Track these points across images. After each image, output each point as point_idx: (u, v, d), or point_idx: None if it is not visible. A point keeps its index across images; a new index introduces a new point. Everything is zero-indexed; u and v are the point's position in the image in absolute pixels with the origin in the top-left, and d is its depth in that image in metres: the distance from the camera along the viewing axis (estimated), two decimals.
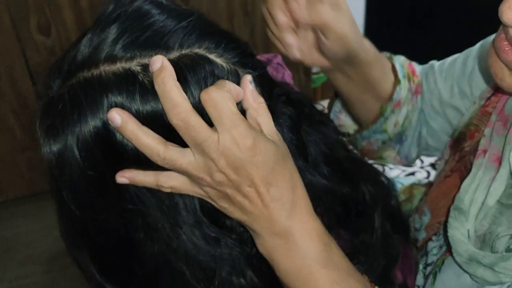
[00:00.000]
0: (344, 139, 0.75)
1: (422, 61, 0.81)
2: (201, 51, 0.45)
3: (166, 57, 0.43)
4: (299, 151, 0.52)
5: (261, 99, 0.46)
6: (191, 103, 0.42)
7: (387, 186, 0.65)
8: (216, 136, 0.42)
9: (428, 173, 1.13)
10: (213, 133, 0.42)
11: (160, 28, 0.45)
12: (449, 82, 0.74)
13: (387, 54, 0.76)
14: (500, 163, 0.56)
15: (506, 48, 0.48)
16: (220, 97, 0.42)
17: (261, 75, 0.49)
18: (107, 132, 0.43)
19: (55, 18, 1.63)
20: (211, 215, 0.48)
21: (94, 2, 1.64)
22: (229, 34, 0.49)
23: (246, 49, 0.49)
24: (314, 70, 1.98)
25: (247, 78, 0.45)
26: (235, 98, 0.44)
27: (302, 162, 0.52)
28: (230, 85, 0.44)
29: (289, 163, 0.46)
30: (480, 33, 0.71)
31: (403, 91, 0.73)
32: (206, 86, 0.44)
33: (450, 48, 0.83)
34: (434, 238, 0.64)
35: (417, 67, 0.78)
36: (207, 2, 1.75)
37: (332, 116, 0.83)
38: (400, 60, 0.76)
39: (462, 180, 0.59)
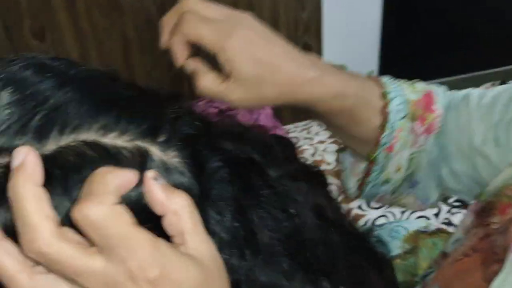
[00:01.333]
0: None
1: (441, 73, 0.68)
2: (90, 135, 0.34)
3: (40, 151, 0.31)
4: (246, 241, 0.40)
5: (180, 196, 0.33)
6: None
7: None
8: (98, 264, 0.30)
9: (439, 209, 1.01)
10: (93, 259, 0.30)
11: (36, 106, 0.33)
12: (485, 124, 0.59)
13: (387, 88, 0.60)
14: None
15: None
16: (102, 217, 0.29)
17: (190, 144, 0.38)
18: None
19: (49, 23, 1.55)
20: None
21: (90, 6, 1.55)
22: (139, 92, 0.38)
23: (166, 111, 0.38)
24: None
25: (148, 176, 0.33)
26: (125, 191, 0.32)
27: (250, 256, 0.40)
28: (114, 182, 0.31)
29: (217, 284, 0.34)
30: None
31: (399, 133, 0.60)
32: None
33: (474, 57, 0.71)
34: None
35: (440, 96, 0.63)
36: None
37: (347, 174, 0.69)
38: (405, 96, 0.61)
39: (484, 264, 0.47)
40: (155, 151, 0.35)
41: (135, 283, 0.30)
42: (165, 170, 0.36)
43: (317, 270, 0.45)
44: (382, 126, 0.58)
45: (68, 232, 0.31)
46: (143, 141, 0.35)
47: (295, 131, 1.26)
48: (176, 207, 0.32)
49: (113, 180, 0.31)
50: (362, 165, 0.64)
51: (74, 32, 1.58)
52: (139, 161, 0.34)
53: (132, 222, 0.31)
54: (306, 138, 1.23)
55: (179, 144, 0.37)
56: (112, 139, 0.34)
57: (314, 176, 0.56)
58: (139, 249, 0.30)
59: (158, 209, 0.32)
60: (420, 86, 0.63)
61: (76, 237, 0.31)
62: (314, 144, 1.21)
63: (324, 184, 0.62)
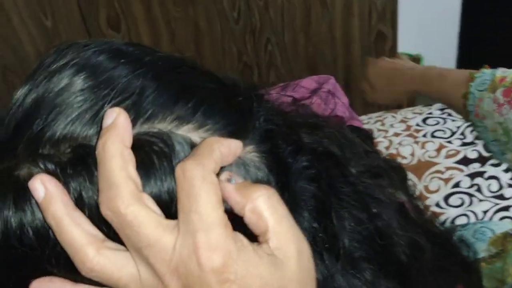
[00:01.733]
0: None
1: None
2: (164, 126, 0.32)
3: None
4: (326, 245, 0.37)
5: (257, 191, 0.30)
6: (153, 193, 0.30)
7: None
8: (170, 240, 0.28)
9: None
10: (167, 234, 0.28)
11: (109, 94, 0.32)
12: None
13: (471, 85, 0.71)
14: None
15: None
16: (199, 179, 0.28)
17: (268, 139, 0.35)
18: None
19: (125, 13, 1.57)
20: None
21: None
22: (217, 81, 0.36)
23: (246, 101, 0.35)
24: None
25: (221, 179, 0.30)
26: (226, 162, 0.30)
27: (329, 261, 0.37)
28: (219, 151, 0.30)
29: None
30: None
31: (478, 102, 0.69)
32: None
33: None
34: None
35: None
36: None
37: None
38: (495, 75, 0.69)
39: None
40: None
41: (200, 264, 0.27)
42: (242, 165, 0.34)
43: (400, 276, 0.41)
44: (465, 95, 0.70)
45: (149, 200, 0.29)
46: (219, 136, 0.33)
47: (368, 123, 1.21)
48: (253, 205, 0.30)
49: (219, 149, 0.30)
50: None
51: (147, 22, 1.60)
52: None
53: (220, 198, 0.29)
54: (380, 130, 1.17)
55: (257, 139, 0.35)
56: (186, 132, 0.32)
57: (395, 172, 0.53)
58: (215, 227, 0.28)
59: (238, 211, 0.30)
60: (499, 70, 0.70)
61: (157, 209, 0.30)
62: (389, 137, 1.16)
63: (404, 180, 0.57)
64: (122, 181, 0.28)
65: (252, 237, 0.30)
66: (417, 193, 0.79)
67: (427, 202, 1.01)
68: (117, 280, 0.30)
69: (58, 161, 0.31)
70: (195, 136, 0.32)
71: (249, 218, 0.30)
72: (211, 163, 0.29)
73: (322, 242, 0.36)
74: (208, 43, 1.68)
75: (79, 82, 0.32)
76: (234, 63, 1.71)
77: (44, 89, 0.32)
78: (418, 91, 0.81)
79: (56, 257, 0.31)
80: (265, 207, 0.29)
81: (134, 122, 0.31)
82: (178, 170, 0.29)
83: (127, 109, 0.31)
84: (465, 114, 0.72)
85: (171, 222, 0.29)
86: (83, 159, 0.30)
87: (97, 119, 0.31)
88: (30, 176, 0.30)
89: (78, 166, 0.30)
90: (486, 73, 0.70)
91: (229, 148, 0.31)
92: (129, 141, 0.30)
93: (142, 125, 0.31)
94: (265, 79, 1.73)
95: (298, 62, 1.73)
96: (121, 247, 0.30)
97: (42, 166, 0.31)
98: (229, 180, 0.30)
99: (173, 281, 0.28)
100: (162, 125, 0.32)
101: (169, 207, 0.30)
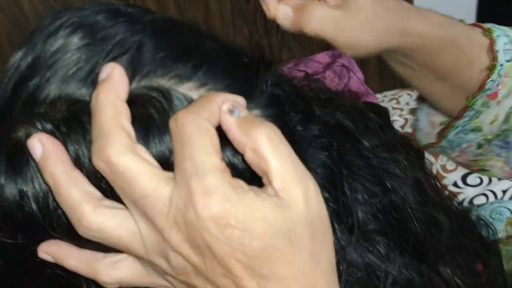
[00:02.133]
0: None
1: None
2: (164, 83, 0.30)
3: None
4: (337, 216, 0.36)
5: (260, 128, 0.27)
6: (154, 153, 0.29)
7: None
8: (166, 190, 0.27)
9: None
10: (163, 184, 0.27)
11: (106, 51, 0.31)
12: None
13: (487, 26, 0.51)
14: None
15: None
16: (192, 126, 0.27)
17: (275, 104, 0.33)
18: None
19: None
20: None
21: None
22: (222, 44, 0.34)
23: (252, 64, 0.34)
24: None
25: (223, 109, 0.28)
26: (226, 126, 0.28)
27: (341, 233, 0.36)
28: (216, 103, 0.28)
29: (305, 245, 0.28)
30: None
31: (504, 78, 0.50)
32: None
33: None
34: None
35: None
36: None
37: (422, 125, 0.63)
38: (510, 36, 0.52)
39: None
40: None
41: (196, 211, 0.26)
42: None
43: (416, 252, 0.40)
44: (492, 67, 0.49)
45: (144, 151, 0.28)
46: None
47: (383, 101, 1.19)
48: (253, 144, 0.27)
49: (217, 101, 0.28)
50: (443, 119, 0.56)
51: (157, 2, 1.58)
52: None
53: (216, 146, 0.27)
54: (395, 109, 1.15)
55: (263, 103, 0.33)
56: (186, 90, 0.31)
57: (411, 148, 0.51)
58: (210, 172, 0.26)
59: (239, 148, 0.28)
60: None
61: (153, 160, 0.28)
62: (404, 115, 1.13)
63: (421, 157, 0.56)
64: (113, 130, 0.27)
65: (258, 184, 0.28)
66: (434, 172, 0.77)
67: (444, 181, 0.98)
68: (117, 240, 0.28)
69: (53, 119, 0.30)
70: (195, 95, 0.31)
71: (250, 158, 0.28)
72: (206, 113, 0.28)
73: (334, 212, 0.35)
74: (219, 23, 1.65)
75: (75, 41, 0.31)
76: (246, 44, 1.69)
77: (40, 51, 0.31)
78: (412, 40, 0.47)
79: (57, 221, 0.31)
80: (267, 147, 0.27)
81: (131, 78, 0.30)
82: (171, 121, 0.28)
83: (124, 64, 0.30)
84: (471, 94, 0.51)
85: (168, 174, 0.28)
86: (78, 116, 0.30)
87: (92, 76, 0.30)
88: (28, 137, 0.30)
89: (73, 123, 0.30)
90: (503, 29, 0.52)
91: (233, 101, 0.29)
92: (123, 94, 0.29)
93: (140, 81, 0.30)
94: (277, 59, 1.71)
95: (311, 42, 1.70)
96: (120, 205, 0.29)
97: (39, 126, 0.30)
98: (231, 112, 0.28)
99: (173, 234, 0.27)
100: (161, 82, 0.31)
101: (170, 163, 0.29)
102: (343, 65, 0.56)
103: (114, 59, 0.30)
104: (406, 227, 0.39)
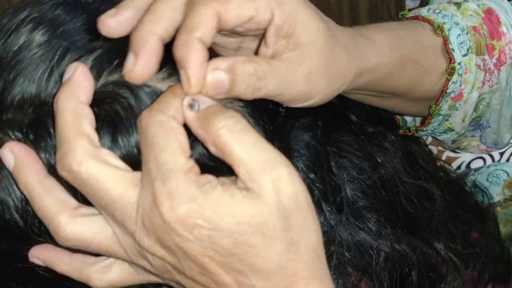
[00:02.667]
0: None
1: None
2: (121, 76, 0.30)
3: None
4: (325, 196, 0.35)
5: (220, 121, 0.27)
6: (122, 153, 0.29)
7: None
8: (133, 195, 0.27)
9: None
10: (130, 188, 0.27)
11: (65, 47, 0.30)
12: None
13: (437, 22, 0.45)
14: None
15: None
16: (154, 124, 0.26)
17: None
18: None
19: None
20: None
21: None
22: None
23: None
24: None
25: (185, 104, 0.27)
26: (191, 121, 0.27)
27: (330, 212, 0.35)
28: (178, 100, 0.27)
29: (280, 235, 0.27)
30: None
31: (465, 75, 0.46)
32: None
33: None
34: None
35: (506, 12, 0.49)
36: None
37: None
38: (460, 24, 0.46)
39: None
40: None
41: (161, 214, 0.26)
42: None
43: (408, 226, 0.39)
44: (451, 71, 0.45)
45: (108, 155, 0.28)
46: None
47: None
48: (214, 138, 0.27)
49: (178, 99, 0.28)
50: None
51: None
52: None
53: (180, 145, 0.27)
54: None
55: None
56: (155, 82, 0.30)
57: (395, 122, 0.50)
58: (174, 172, 0.26)
59: (202, 142, 0.28)
60: (472, 6, 0.48)
61: (119, 162, 0.28)
62: None
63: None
64: (73, 137, 0.27)
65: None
66: (429, 140, 0.76)
67: (440, 147, 0.98)
68: (98, 246, 0.29)
69: (21, 125, 0.30)
70: (164, 87, 0.30)
71: (215, 153, 0.27)
72: (171, 109, 0.27)
73: (321, 193, 0.35)
74: None
75: (37, 37, 0.30)
76: None
77: (2, 50, 0.30)
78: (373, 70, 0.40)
79: (39, 228, 0.31)
80: (227, 139, 0.27)
81: (98, 75, 0.30)
82: (138, 121, 0.27)
83: (89, 62, 0.30)
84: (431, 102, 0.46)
85: (135, 176, 0.27)
86: (42, 119, 0.29)
87: (54, 74, 0.30)
88: (1, 145, 0.29)
89: (39, 128, 0.29)
90: (449, 15, 0.47)
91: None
92: (85, 96, 0.28)
93: (108, 77, 0.30)
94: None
95: None
96: (97, 211, 0.29)
97: (10, 133, 0.30)
98: (191, 106, 0.27)
99: (144, 237, 0.27)
100: (119, 76, 0.30)
101: (139, 162, 0.28)
102: None
103: (77, 57, 0.30)
104: (397, 202, 0.39)
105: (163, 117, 0.27)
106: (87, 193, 0.27)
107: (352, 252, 0.36)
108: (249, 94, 0.29)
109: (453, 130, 0.50)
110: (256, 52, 0.32)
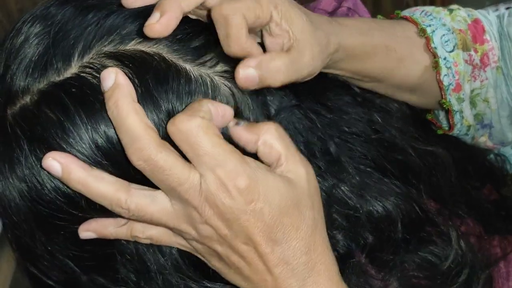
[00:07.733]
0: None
1: None
2: (110, 47, 0.36)
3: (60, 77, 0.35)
4: (322, 156, 0.41)
5: (264, 126, 0.34)
6: (159, 130, 0.34)
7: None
8: (196, 177, 0.33)
9: None
10: (192, 172, 0.33)
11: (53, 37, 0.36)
12: None
13: (423, 22, 0.50)
14: None
15: None
16: (194, 127, 0.32)
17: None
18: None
19: None
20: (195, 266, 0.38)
21: None
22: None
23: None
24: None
25: (231, 125, 0.35)
26: (219, 122, 0.34)
27: (329, 173, 0.40)
28: (208, 105, 0.34)
29: (308, 213, 0.35)
30: None
31: (455, 68, 0.50)
32: (181, 101, 0.35)
33: None
34: None
35: (491, 24, 0.53)
36: None
37: None
38: (446, 25, 0.51)
39: None
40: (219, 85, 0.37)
41: (227, 192, 0.32)
42: (212, 87, 0.37)
43: (413, 186, 0.43)
44: (435, 65, 0.49)
45: (168, 144, 0.33)
46: (201, 68, 0.37)
47: None
48: (264, 138, 0.34)
49: (208, 104, 0.34)
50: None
51: None
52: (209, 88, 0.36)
53: (220, 135, 0.33)
54: None
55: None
56: (134, 45, 0.36)
57: None
58: (226, 159, 0.32)
59: (251, 148, 0.34)
60: (463, 14, 0.53)
61: (174, 150, 0.33)
62: None
63: None
64: (145, 132, 0.32)
65: None
66: None
67: None
68: (151, 215, 0.34)
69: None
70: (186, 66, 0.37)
71: (262, 151, 0.34)
72: (200, 113, 0.33)
73: (319, 153, 0.40)
74: None
75: (35, 31, 0.36)
76: None
77: (10, 47, 0.36)
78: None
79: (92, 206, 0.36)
80: (275, 138, 0.34)
81: (82, 56, 0.35)
82: (171, 127, 0.33)
83: (78, 52, 0.35)
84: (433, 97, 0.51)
85: (187, 162, 0.33)
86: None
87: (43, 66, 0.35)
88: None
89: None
90: (437, 17, 0.51)
91: (220, 109, 0.34)
92: (135, 96, 0.33)
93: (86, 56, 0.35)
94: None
95: None
96: (143, 187, 0.34)
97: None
98: (237, 124, 0.34)
99: (206, 209, 0.33)
100: (108, 47, 0.35)
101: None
102: (348, 9, 0.57)
103: (69, 46, 0.35)
104: (402, 163, 0.43)
105: (198, 120, 0.32)
106: (160, 178, 0.33)
107: (338, 204, 0.41)
108: (277, 83, 0.37)
109: (470, 125, 0.54)
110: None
